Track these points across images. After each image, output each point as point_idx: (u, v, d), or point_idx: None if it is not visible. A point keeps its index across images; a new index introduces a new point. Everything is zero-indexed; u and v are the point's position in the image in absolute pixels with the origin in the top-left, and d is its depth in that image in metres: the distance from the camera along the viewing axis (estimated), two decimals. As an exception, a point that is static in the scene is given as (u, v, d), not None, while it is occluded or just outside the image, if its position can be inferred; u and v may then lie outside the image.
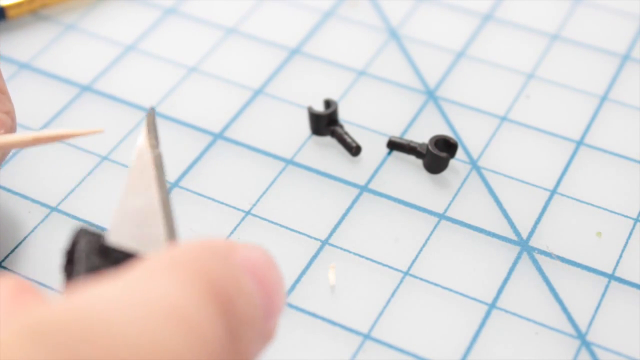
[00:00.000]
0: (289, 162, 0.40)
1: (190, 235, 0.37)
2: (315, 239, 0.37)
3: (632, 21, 0.47)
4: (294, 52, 0.45)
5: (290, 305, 0.35)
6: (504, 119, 0.42)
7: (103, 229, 0.37)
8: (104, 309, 0.19)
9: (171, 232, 0.24)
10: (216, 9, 0.48)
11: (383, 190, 0.39)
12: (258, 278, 0.22)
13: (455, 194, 0.39)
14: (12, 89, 0.44)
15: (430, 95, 0.43)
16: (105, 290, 0.20)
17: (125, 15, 0.47)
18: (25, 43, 0.46)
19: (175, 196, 0.39)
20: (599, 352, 0.34)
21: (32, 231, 0.38)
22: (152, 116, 0.26)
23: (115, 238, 0.23)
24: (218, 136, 0.41)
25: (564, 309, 0.35)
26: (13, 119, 0.36)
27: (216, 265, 0.21)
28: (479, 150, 0.41)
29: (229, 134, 0.41)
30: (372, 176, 0.40)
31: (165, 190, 0.24)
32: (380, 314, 0.35)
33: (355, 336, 0.34)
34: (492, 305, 0.35)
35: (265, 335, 0.23)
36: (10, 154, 0.40)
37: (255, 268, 0.22)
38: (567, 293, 0.36)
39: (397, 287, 0.36)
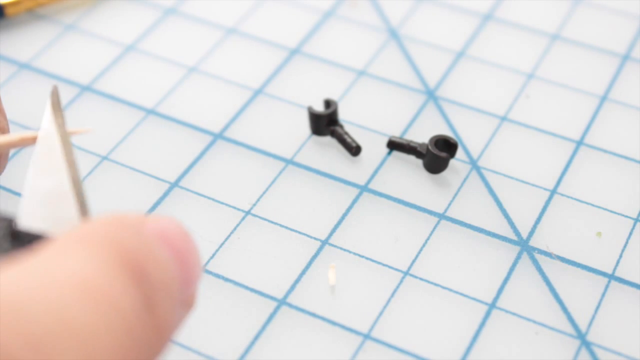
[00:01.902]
0: (289, 162, 0.40)
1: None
2: (315, 239, 0.37)
3: (632, 21, 0.47)
4: (294, 52, 0.45)
5: (290, 305, 0.35)
6: (504, 119, 0.42)
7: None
8: (12, 289, 0.19)
9: (84, 211, 0.23)
10: (216, 9, 0.48)
11: (383, 190, 0.39)
12: (171, 247, 0.22)
13: (455, 194, 0.39)
14: (12, 89, 0.44)
15: (430, 95, 0.43)
16: (13, 272, 0.19)
17: (125, 15, 0.47)
18: (25, 43, 0.46)
19: (175, 196, 0.39)
20: (599, 352, 0.34)
21: (32, 231, 0.38)
22: (56, 95, 0.26)
23: (27, 221, 0.23)
24: (218, 136, 0.41)
25: (564, 309, 0.35)
26: (5, 118, 0.36)
27: (127, 237, 0.21)
28: (479, 150, 0.41)
29: (229, 134, 0.41)
30: (372, 176, 0.40)
31: (75, 169, 0.24)
32: (380, 314, 0.35)
33: (355, 336, 0.34)
34: (492, 305, 0.35)
35: (184, 303, 0.23)
36: (10, 153, 0.40)
37: (168, 237, 0.22)
38: (567, 293, 0.36)
39: (397, 287, 0.36)
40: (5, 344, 0.18)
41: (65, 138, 0.24)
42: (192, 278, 0.23)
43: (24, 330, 0.18)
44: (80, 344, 0.19)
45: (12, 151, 0.40)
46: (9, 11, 0.46)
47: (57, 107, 0.25)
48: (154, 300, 0.21)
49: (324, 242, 0.37)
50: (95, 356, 0.19)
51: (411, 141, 0.40)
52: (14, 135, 0.33)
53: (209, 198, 0.39)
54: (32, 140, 0.33)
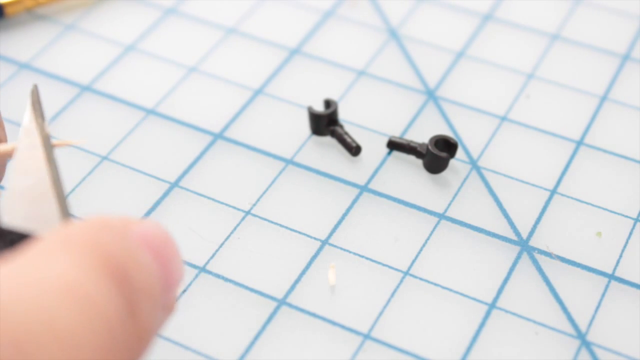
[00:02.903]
0: (289, 162, 0.40)
1: (191, 235, 0.37)
2: (315, 239, 0.37)
3: (632, 21, 0.47)
4: (294, 52, 0.45)
5: (290, 305, 0.35)
6: (504, 119, 0.42)
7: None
8: None
9: (64, 211, 0.23)
10: (216, 9, 0.48)
11: (383, 190, 0.39)
12: (154, 251, 0.22)
13: (455, 194, 0.39)
14: (12, 89, 0.44)
15: (430, 95, 0.43)
16: None
17: (125, 15, 0.47)
18: (25, 43, 0.46)
19: (175, 196, 0.39)
20: (599, 352, 0.34)
21: (32, 231, 0.38)
22: (36, 94, 0.26)
23: (9, 219, 0.23)
24: (218, 136, 0.41)
25: (564, 309, 0.35)
26: (2, 128, 0.36)
27: (111, 241, 0.21)
28: (479, 150, 0.41)
29: (229, 134, 0.41)
30: (372, 176, 0.40)
31: (55, 168, 0.24)
32: (380, 314, 0.35)
33: (355, 336, 0.34)
34: (492, 305, 0.35)
35: (165, 307, 0.23)
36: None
37: (150, 242, 0.23)
38: (567, 293, 0.36)
39: (397, 287, 0.36)
40: None
41: (46, 137, 0.24)
42: (174, 282, 0.23)
43: (8, 330, 0.18)
44: (63, 346, 0.19)
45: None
46: (8, 11, 0.46)
47: (37, 106, 0.25)
48: (136, 304, 0.21)
49: (324, 242, 0.37)
50: (77, 358, 0.19)
51: (411, 141, 0.40)
52: (13, 144, 0.33)
53: (209, 198, 0.39)
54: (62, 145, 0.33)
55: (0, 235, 0.22)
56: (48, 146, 0.24)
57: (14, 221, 0.23)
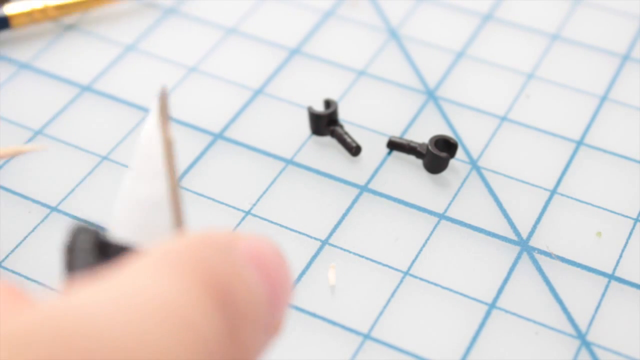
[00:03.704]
0: (289, 162, 0.40)
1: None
2: (315, 239, 0.37)
3: (632, 21, 0.47)
4: (294, 52, 0.45)
5: (290, 305, 0.35)
6: (504, 119, 0.42)
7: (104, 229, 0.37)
8: (93, 310, 0.18)
9: (179, 222, 0.22)
10: (216, 9, 0.48)
11: (383, 190, 0.39)
12: (262, 269, 0.21)
13: (455, 194, 0.39)
14: (12, 89, 0.44)
15: (430, 95, 0.43)
16: (95, 290, 0.19)
17: (125, 16, 0.47)
18: (25, 43, 0.46)
19: (175, 196, 0.39)
20: (599, 352, 0.34)
21: (32, 231, 0.38)
22: (164, 99, 0.24)
23: (119, 229, 0.22)
24: (218, 136, 0.41)
25: (564, 309, 0.35)
26: None
27: (216, 257, 0.20)
28: (479, 150, 0.41)
29: (229, 134, 0.41)
30: (372, 176, 0.40)
31: (175, 177, 0.23)
32: (380, 314, 0.35)
33: (355, 336, 0.34)
34: (492, 305, 0.35)
35: (270, 330, 0.22)
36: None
37: (259, 258, 0.21)
38: (567, 293, 0.36)
39: (397, 287, 0.36)
40: None
41: (169, 144, 0.23)
42: (282, 303, 0.22)
43: (101, 353, 0.18)
44: None
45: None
46: (14, 22, 0.45)
47: (164, 112, 0.24)
48: (240, 326, 0.20)
49: (324, 242, 0.37)
50: None
51: (411, 141, 0.40)
52: (8, 148, 0.33)
53: (209, 198, 0.39)
54: (23, 152, 0.32)
55: (104, 250, 0.21)
56: (170, 154, 0.23)
57: (124, 231, 0.22)
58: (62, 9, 0.46)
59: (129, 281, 0.19)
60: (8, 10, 0.45)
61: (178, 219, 0.22)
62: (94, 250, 0.21)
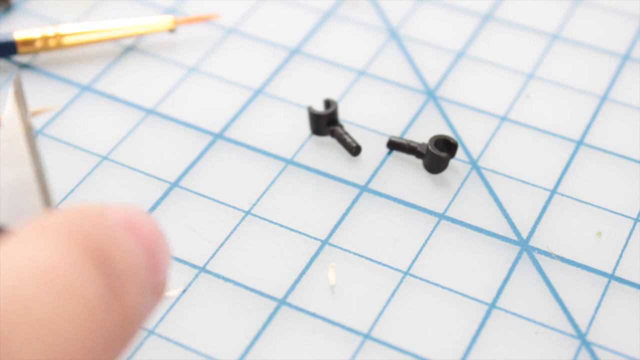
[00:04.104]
0: (289, 162, 0.40)
1: (191, 235, 0.37)
2: (315, 239, 0.37)
3: (632, 21, 0.47)
4: (294, 52, 0.45)
5: (290, 305, 0.35)
6: (504, 119, 0.42)
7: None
8: None
9: (47, 202, 0.23)
10: (216, 9, 0.48)
11: (383, 190, 0.39)
12: (136, 234, 0.22)
13: (455, 194, 0.39)
14: (11, 89, 0.44)
15: (430, 95, 0.43)
16: None
17: (125, 15, 0.47)
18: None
19: (175, 196, 0.39)
20: (599, 352, 0.34)
21: (32, 231, 0.38)
22: (18, 84, 0.25)
23: None
24: (218, 136, 0.41)
25: (564, 309, 0.35)
26: None
27: (90, 225, 0.21)
28: (479, 150, 0.41)
29: (229, 134, 0.41)
30: (372, 176, 0.40)
31: (38, 160, 0.24)
32: (380, 314, 0.35)
33: (355, 336, 0.34)
34: (492, 305, 0.35)
35: (154, 290, 0.23)
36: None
37: (132, 225, 0.22)
38: (567, 293, 0.36)
39: (397, 287, 0.36)
40: None
41: (29, 129, 0.24)
42: (161, 265, 0.23)
43: None
44: (43, 331, 0.19)
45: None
46: (21, 50, 0.44)
47: (20, 97, 0.25)
48: (119, 286, 0.21)
49: (324, 242, 0.37)
50: (59, 343, 0.19)
51: (411, 141, 0.40)
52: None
53: (209, 198, 0.39)
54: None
55: None
56: (31, 137, 0.24)
57: None
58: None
59: (7, 251, 0.20)
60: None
61: (47, 201, 0.23)
62: None
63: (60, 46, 0.44)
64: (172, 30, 0.45)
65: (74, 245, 0.21)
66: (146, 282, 0.22)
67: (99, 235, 0.21)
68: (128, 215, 0.23)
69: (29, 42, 0.44)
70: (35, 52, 0.44)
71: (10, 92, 0.25)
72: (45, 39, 0.44)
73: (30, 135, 0.24)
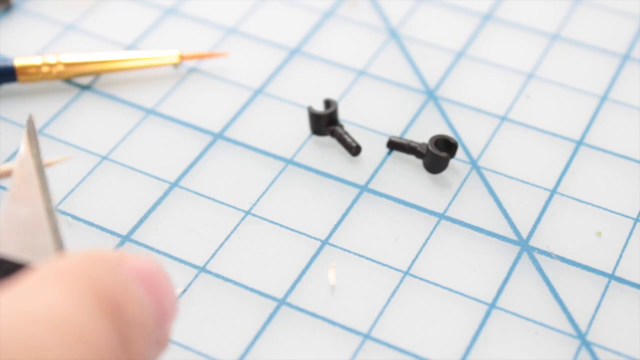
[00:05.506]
0: (289, 162, 0.40)
1: (190, 235, 0.37)
2: (315, 238, 0.37)
3: (632, 21, 0.47)
4: (294, 52, 0.45)
5: (290, 305, 0.35)
6: (504, 118, 0.42)
7: (104, 229, 0.37)
8: None
9: (58, 242, 0.24)
10: (216, 9, 0.48)
11: (383, 190, 0.39)
12: (148, 285, 0.23)
13: (455, 194, 0.39)
14: (10, 89, 0.44)
15: (430, 95, 0.43)
16: None
17: (125, 15, 0.47)
18: (24, 43, 0.46)
19: (175, 196, 0.39)
20: (599, 352, 0.34)
21: (32, 231, 0.38)
22: (31, 124, 0.26)
23: (4, 248, 0.23)
24: (218, 136, 0.41)
25: (564, 309, 0.35)
26: None
27: (104, 274, 0.21)
28: (479, 150, 0.41)
29: (229, 134, 0.41)
30: (372, 176, 0.40)
31: (49, 199, 0.24)
32: (380, 313, 0.35)
33: (355, 336, 0.34)
34: (492, 305, 0.35)
35: (159, 341, 0.23)
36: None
37: (144, 276, 0.23)
38: (567, 293, 0.36)
39: (397, 287, 0.36)
40: None
41: (40, 167, 0.25)
42: (168, 317, 0.23)
43: None
44: None
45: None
46: (21, 79, 0.43)
47: (33, 136, 0.26)
48: (129, 337, 0.21)
49: (324, 242, 0.37)
50: None
51: (411, 141, 0.40)
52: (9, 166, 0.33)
53: (209, 198, 0.39)
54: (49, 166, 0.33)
55: None
56: (42, 176, 0.25)
57: (8, 250, 0.23)
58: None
59: (22, 295, 0.20)
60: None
61: (57, 240, 0.24)
62: None
63: (60, 77, 0.43)
64: (176, 65, 0.44)
65: (88, 294, 0.21)
66: (153, 335, 0.22)
67: (113, 284, 0.21)
68: (141, 265, 0.23)
69: (27, 71, 0.43)
70: (35, 81, 0.43)
71: (24, 131, 0.26)
72: (49, 66, 0.43)
73: (42, 174, 0.25)
